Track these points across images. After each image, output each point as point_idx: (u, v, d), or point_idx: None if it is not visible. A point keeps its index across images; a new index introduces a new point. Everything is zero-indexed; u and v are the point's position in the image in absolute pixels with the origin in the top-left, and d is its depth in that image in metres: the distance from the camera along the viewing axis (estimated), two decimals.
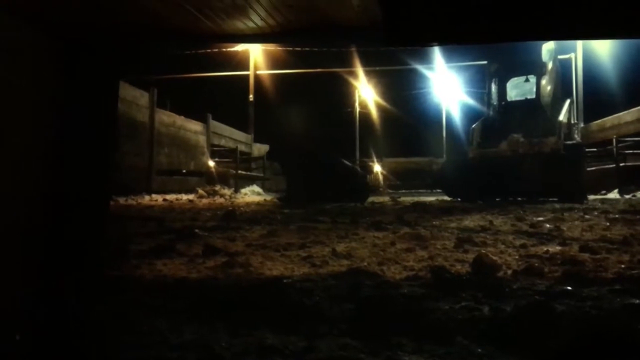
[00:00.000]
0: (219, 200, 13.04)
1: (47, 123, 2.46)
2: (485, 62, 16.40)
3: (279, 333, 1.75)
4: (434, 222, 5.79)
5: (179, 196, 13.79)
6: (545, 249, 3.53)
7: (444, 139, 31.67)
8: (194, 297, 2.24)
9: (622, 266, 2.91)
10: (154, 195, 13.30)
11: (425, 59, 28.22)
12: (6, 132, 2.19)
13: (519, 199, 11.08)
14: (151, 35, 2.74)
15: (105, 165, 2.86)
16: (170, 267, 3.00)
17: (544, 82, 13.67)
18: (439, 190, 15.42)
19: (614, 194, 13.80)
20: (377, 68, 29.24)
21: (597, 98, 23.02)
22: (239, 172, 19.65)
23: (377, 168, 25.03)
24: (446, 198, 12.65)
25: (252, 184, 19.68)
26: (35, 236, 2.37)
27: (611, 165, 15.53)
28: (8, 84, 2.20)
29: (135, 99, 14.69)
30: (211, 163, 19.17)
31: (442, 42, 2.70)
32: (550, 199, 10.68)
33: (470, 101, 27.41)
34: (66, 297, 2.22)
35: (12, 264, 2.21)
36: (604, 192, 14.22)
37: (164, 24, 2.58)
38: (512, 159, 11.92)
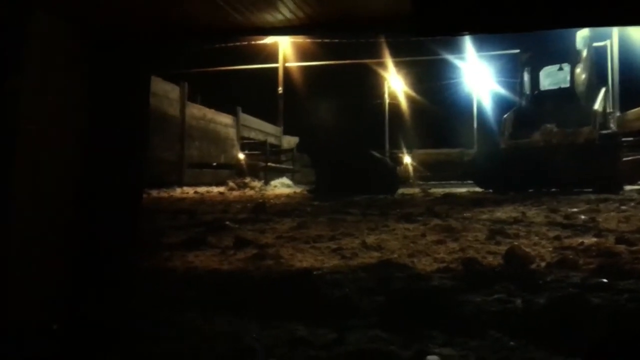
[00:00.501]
0: (249, 192, 13.13)
1: (80, 118, 2.50)
2: (517, 50, 16.12)
3: (309, 325, 1.76)
4: (465, 214, 5.73)
5: (210, 189, 13.93)
6: (579, 240, 3.46)
7: (475, 129, 31.26)
8: (225, 288, 2.27)
9: None
10: (185, 188, 13.46)
11: (456, 48, 27.87)
12: (40, 127, 2.23)
13: (553, 190, 10.88)
14: (182, 30, 2.76)
15: (138, 158, 2.91)
16: (201, 259, 3.03)
17: (578, 70, 13.36)
18: (470, 182, 15.23)
19: None
20: (407, 59, 29.01)
21: (634, 86, 22.38)
22: (269, 164, 19.76)
23: (407, 159, 24.86)
24: (477, 189, 12.49)
25: (281, 176, 19.75)
26: (70, 231, 2.42)
27: None
28: (41, 79, 2.24)
29: (166, 92, 14.87)
30: (241, 156, 19.31)
31: (472, 31, 2.66)
32: (585, 190, 10.46)
33: (502, 91, 26.90)
34: (101, 290, 2.26)
35: (48, 258, 2.27)
36: None
37: (195, 18, 2.60)
38: (545, 149, 11.70)
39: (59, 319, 1.92)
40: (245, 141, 20.77)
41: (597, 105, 12.21)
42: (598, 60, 14.80)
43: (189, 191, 12.61)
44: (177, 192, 12.47)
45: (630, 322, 1.69)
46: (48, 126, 2.27)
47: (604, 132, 11.91)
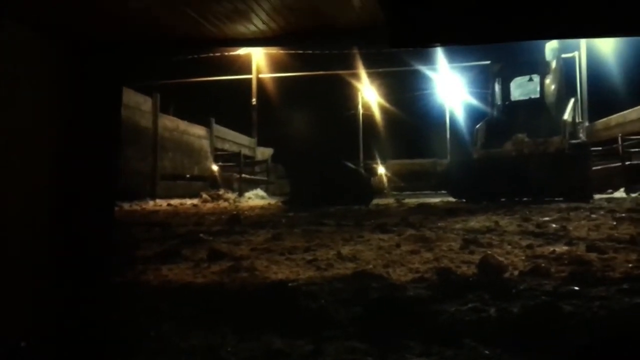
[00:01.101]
0: (223, 204, 13.04)
1: (54, 130, 2.46)
2: (488, 62, 16.38)
3: (286, 337, 1.74)
4: (439, 224, 5.77)
5: (183, 201, 13.79)
6: (551, 249, 3.52)
7: (448, 140, 31.60)
8: (200, 302, 2.24)
9: (630, 265, 2.89)
10: (158, 201, 13.30)
11: (428, 60, 28.16)
12: (13, 137, 2.19)
13: (525, 199, 11.04)
14: (155, 41, 2.75)
15: (110, 170, 2.87)
16: (176, 272, 3.00)
17: (547, 81, 13.63)
18: (443, 192, 15.37)
19: (620, 193, 13.73)
20: (380, 70, 29.17)
21: (602, 96, 22.90)
22: (243, 176, 19.66)
23: (381, 170, 24.99)
24: (451, 199, 12.60)
25: (256, 188, 19.65)
26: (42, 243, 2.37)
27: (617, 164, 15.47)
28: (11, 87, 2.20)
29: (138, 104, 14.73)
30: (215, 167, 19.19)
31: (444, 42, 2.70)
32: (556, 199, 10.64)
33: (474, 102, 27.26)
34: (75, 304, 2.22)
35: (21, 272, 2.22)
36: (610, 191, 14.14)
37: (168, 30, 2.59)
38: (517, 159, 11.89)
39: (31, 333, 1.87)
40: (218, 153, 20.63)
41: (567, 116, 12.46)
42: (567, 71, 15.15)
43: (162, 204, 12.47)
44: (150, 204, 12.33)
45: (603, 329, 1.71)
46: (19, 133, 2.23)
47: (574, 141, 12.15)
